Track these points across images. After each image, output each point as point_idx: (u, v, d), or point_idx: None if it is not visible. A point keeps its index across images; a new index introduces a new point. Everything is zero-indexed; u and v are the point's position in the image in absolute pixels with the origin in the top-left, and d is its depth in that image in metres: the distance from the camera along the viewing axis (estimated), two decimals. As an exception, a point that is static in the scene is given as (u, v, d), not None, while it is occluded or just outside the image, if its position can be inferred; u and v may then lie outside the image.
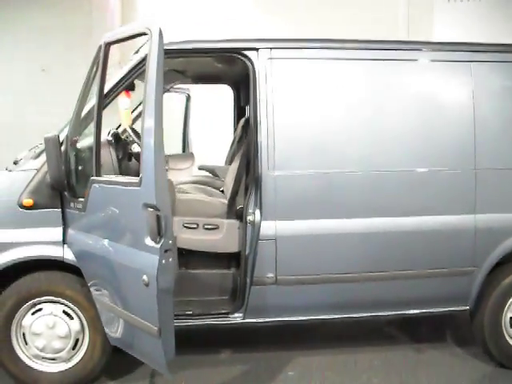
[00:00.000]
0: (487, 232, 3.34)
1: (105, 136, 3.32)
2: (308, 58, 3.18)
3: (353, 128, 3.21)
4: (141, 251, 2.49)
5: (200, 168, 4.82)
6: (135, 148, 3.53)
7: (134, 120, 4.16)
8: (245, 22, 7.08)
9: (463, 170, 3.31)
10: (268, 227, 3.14)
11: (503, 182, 3.36)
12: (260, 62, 3.11)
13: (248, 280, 3.18)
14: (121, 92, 3.23)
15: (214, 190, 3.95)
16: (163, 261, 2.41)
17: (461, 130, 3.30)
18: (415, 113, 3.27)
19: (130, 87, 3.76)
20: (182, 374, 3.32)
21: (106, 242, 2.78)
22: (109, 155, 3.21)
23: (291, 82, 3.16)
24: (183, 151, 5.32)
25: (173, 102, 5.29)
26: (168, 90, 4.56)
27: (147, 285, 2.44)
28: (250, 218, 3.13)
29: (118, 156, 3.30)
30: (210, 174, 4.77)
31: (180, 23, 7.16)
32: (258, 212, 3.12)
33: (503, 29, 6.45)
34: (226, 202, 3.47)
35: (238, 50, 3.13)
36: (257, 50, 3.11)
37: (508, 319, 3.46)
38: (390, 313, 3.43)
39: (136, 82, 3.86)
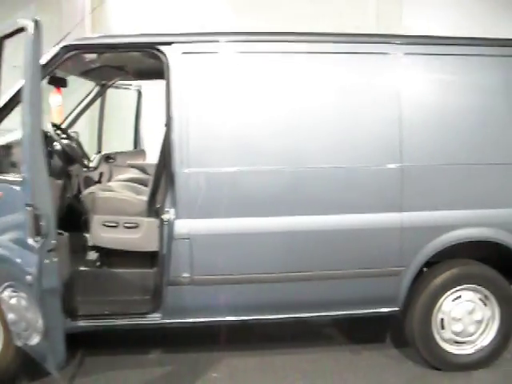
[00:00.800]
0: (414, 230, 3.24)
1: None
2: (221, 52, 3.09)
3: (269, 124, 3.12)
4: (25, 250, 2.44)
5: (130, 165, 4.74)
6: (57, 146, 3.47)
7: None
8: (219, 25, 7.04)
9: (388, 167, 3.21)
10: (182, 226, 3.07)
11: (430, 179, 3.26)
12: (174, 56, 3.04)
13: (164, 280, 3.11)
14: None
15: (144, 188, 3.88)
16: (46, 261, 2.35)
17: (386, 125, 3.20)
18: (336, 108, 3.17)
19: (62, 84, 3.73)
20: (103, 374, 3.28)
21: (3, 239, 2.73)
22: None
23: (205, 76, 3.08)
24: (134, 148, 5.27)
25: (126, 98, 5.23)
26: (110, 87, 4.50)
27: (31, 285, 2.39)
28: (164, 216, 3.07)
29: None
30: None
31: (151, 24, 7.20)
32: (172, 210, 3.05)
33: (472, 20, 6.33)
34: (145, 200, 3.40)
35: (153, 45, 3.06)
36: (170, 44, 3.04)
37: (439, 321, 3.36)
38: (315, 314, 3.33)
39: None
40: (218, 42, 3.09)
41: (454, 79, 3.28)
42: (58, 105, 3.75)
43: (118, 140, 5.32)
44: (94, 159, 4.43)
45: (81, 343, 3.53)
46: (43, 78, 3.05)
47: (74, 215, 3.60)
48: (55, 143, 3.40)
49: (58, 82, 3.69)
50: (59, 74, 3.67)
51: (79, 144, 3.95)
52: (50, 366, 2.54)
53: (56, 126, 3.64)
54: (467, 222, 3.30)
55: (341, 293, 3.27)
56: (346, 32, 3.31)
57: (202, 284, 3.12)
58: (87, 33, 8.59)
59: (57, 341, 2.48)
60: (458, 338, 3.39)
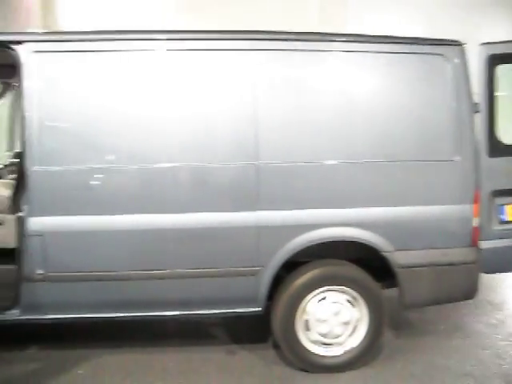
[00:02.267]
0: (270, 230, 3.21)
1: None
2: (72, 50, 3.09)
3: (119, 123, 3.12)
4: None
5: None
6: None
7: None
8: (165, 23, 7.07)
9: (243, 165, 3.17)
10: (35, 223, 3.09)
11: (287, 178, 3.21)
12: (25, 55, 3.06)
13: (20, 276, 3.14)
14: None
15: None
16: None
17: (241, 122, 3.17)
18: (188, 104, 3.16)
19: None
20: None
21: None
22: None
23: (57, 75, 3.09)
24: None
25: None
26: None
27: None
28: (19, 213, 3.10)
29: None
30: None
31: (99, 23, 7.25)
32: (25, 207, 3.08)
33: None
34: (8, 196, 3.43)
35: (4, 44, 3.09)
36: (20, 42, 3.07)
37: (303, 322, 3.31)
38: (174, 313, 3.30)
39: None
40: (66, 41, 3.11)
41: (311, 76, 3.25)
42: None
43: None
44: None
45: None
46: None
47: None
48: None
49: None
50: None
51: None
52: None
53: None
54: (328, 222, 3.24)
55: (198, 292, 3.24)
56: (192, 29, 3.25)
57: (56, 281, 3.14)
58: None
59: None
60: (325, 340, 3.35)
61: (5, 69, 3.59)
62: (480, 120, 3.39)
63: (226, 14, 6.61)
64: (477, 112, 3.37)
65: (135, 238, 3.15)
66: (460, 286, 3.47)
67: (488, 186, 3.43)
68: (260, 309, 3.31)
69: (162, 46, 3.15)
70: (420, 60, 3.31)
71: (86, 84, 3.12)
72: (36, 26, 8.88)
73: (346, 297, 3.33)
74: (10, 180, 4.01)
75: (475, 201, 3.36)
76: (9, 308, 3.19)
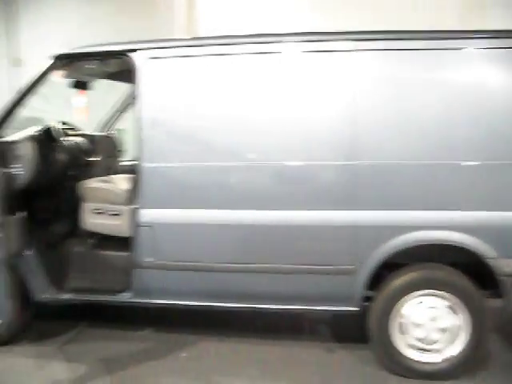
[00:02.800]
0: (367, 230, 3.18)
1: (31, 131, 3.81)
2: (181, 55, 3.34)
3: (226, 123, 3.30)
4: None
5: None
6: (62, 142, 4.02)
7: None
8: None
9: (342, 165, 3.19)
10: (146, 215, 3.39)
11: (385, 178, 3.17)
12: (140, 61, 3.37)
13: (133, 263, 3.47)
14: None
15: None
16: None
17: (341, 123, 3.19)
18: (293, 106, 3.25)
19: (83, 87, 4.28)
20: (93, 344, 3.74)
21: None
22: (27, 150, 3.68)
23: (168, 78, 3.36)
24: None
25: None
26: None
27: None
28: (133, 205, 3.43)
29: (42, 149, 3.74)
30: None
31: (241, 24, 7.77)
32: (138, 200, 3.40)
33: None
34: (125, 190, 3.77)
35: (123, 52, 3.43)
36: (135, 50, 3.39)
37: (398, 325, 3.24)
38: (272, 306, 3.41)
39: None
40: (176, 47, 3.36)
41: (414, 76, 3.18)
42: (81, 105, 4.34)
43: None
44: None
45: (82, 317, 4.09)
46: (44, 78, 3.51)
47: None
48: (62, 139, 3.93)
49: (80, 86, 4.26)
50: (84, 78, 4.25)
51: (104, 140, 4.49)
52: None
53: (66, 124, 4.23)
54: (426, 224, 3.14)
55: (295, 287, 3.32)
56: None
57: (162, 268, 3.42)
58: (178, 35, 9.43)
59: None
60: (421, 345, 3.24)
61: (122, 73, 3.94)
62: None
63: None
64: None
65: (237, 232, 3.32)
66: None
67: None
68: (357, 308, 3.31)
69: (268, 49, 3.27)
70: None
71: (194, 87, 3.36)
72: (179, 26, 9.67)
73: (445, 303, 3.19)
74: (128, 175, 4.42)
75: None
76: (122, 291, 3.54)
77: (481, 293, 3.18)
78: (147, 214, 3.39)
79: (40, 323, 3.99)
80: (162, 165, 3.35)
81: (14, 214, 3.24)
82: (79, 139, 4.24)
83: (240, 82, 3.32)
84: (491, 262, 3.11)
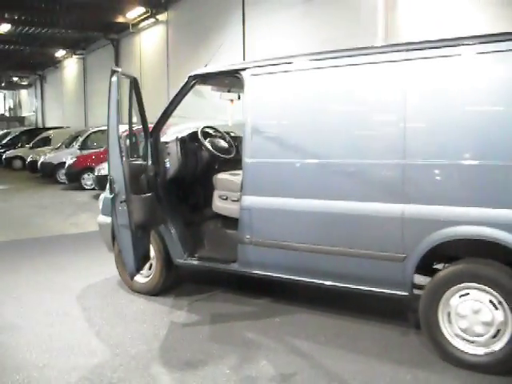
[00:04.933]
0: (413, 222, 3.47)
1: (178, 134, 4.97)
2: (279, 71, 4.08)
3: (308, 128, 3.97)
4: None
5: None
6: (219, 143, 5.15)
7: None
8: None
9: (391, 163, 3.55)
10: (246, 200, 4.22)
11: (436, 175, 3.41)
12: (246, 77, 4.21)
13: (237, 239, 4.32)
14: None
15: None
16: (119, 207, 4.00)
17: (394, 126, 3.56)
18: (355, 112, 3.81)
19: (232, 98, 5.31)
20: (213, 305, 4.73)
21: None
22: (175, 148, 4.83)
23: (265, 90, 4.15)
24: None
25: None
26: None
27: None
28: (238, 193, 4.29)
29: (184, 149, 4.83)
30: None
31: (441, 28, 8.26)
32: (242, 189, 4.24)
33: None
34: (239, 181, 4.58)
35: (236, 71, 4.31)
36: (244, 69, 4.23)
37: (446, 314, 3.42)
38: (333, 283, 3.94)
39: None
40: (274, 65, 4.11)
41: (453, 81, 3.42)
42: (231, 113, 5.39)
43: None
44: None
45: (220, 284, 5.12)
46: (186, 94, 4.62)
47: None
48: (205, 140, 5.00)
49: (229, 97, 5.30)
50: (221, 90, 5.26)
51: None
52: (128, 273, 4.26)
53: (213, 128, 5.32)
54: (469, 220, 3.27)
55: (354, 268, 3.78)
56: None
57: (257, 245, 4.20)
58: (379, 40, 10.05)
59: (128, 259, 4.09)
60: (465, 336, 3.37)
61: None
62: None
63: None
64: None
65: (313, 218, 3.93)
66: None
67: None
68: (407, 293, 3.60)
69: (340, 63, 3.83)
70: None
71: (284, 98, 4.10)
72: (381, 32, 10.45)
73: (489, 297, 3.27)
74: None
75: None
76: (233, 261, 4.43)
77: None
78: (247, 200, 4.21)
79: (188, 284, 5.19)
80: (259, 160, 4.14)
81: (139, 194, 4.24)
82: (219, 140, 5.28)
83: (317, 93, 3.94)
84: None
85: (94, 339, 4.02)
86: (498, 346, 3.27)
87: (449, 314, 3.42)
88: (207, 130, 5.32)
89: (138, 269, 4.22)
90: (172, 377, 3.44)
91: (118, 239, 4.26)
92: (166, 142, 4.85)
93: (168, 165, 4.78)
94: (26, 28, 21.88)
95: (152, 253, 4.81)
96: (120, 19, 20.83)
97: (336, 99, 3.88)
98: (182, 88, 4.56)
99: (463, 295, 3.36)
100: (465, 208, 3.29)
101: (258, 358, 3.62)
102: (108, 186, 4.09)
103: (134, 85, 4.39)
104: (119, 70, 4.11)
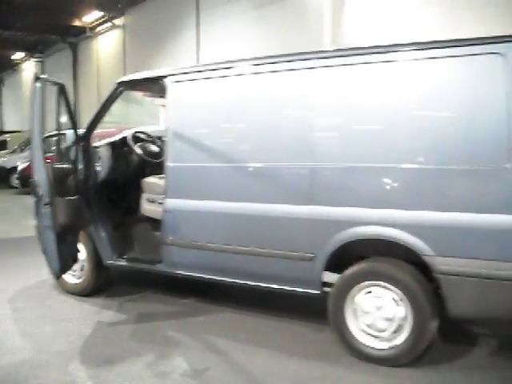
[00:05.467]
0: (321, 222, 3.64)
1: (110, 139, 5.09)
2: (196, 79, 4.24)
3: (224, 133, 4.17)
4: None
5: None
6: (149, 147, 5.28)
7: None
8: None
9: (299, 166, 3.73)
10: (169, 203, 4.34)
11: (339, 179, 3.61)
12: (169, 84, 4.35)
13: (161, 240, 4.45)
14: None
15: None
16: (42, 210, 4.07)
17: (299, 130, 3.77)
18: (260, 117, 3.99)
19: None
20: (142, 305, 4.84)
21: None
22: (105, 153, 4.93)
23: (186, 96, 4.29)
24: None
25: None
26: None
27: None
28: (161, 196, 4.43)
29: (114, 153, 4.94)
30: None
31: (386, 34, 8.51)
32: (164, 192, 4.38)
33: None
34: (162, 184, 4.69)
35: (159, 78, 4.45)
36: (166, 76, 4.38)
37: (352, 311, 3.60)
38: (246, 282, 4.10)
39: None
40: (190, 73, 4.26)
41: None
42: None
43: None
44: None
45: (150, 285, 5.22)
46: (114, 100, 4.73)
47: None
48: (135, 145, 5.12)
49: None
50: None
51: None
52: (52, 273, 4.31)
53: (144, 133, 5.44)
54: (369, 220, 3.46)
55: (271, 268, 3.93)
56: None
57: (179, 246, 4.32)
58: (326, 44, 10.37)
59: (52, 258, 4.16)
60: (371, 331, 3.56)
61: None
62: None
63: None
64: None
65: (226, 219, 4.08)
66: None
67: None
68: (318, 292, 3.77)
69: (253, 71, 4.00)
70: (474, 61, 3.19)
71: (202, 103, 4.24)
72: (326, 32, 10.82)
73: (391, 294, 3.46)
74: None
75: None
76: (158, 262, 4.54)
77: (425, 287, 3.37)
78: (169, 203, 4.34)
79: (120, 285, 5.28)
80: (179, 164, 4.28)
81: (63, 197, 4.30)
82: (150, 144, 5.41)
83: (230, 100, 4.11)
84: (428, 260, 3.30)
85: (19, 339, 4.08)
86: (399, 340, 3.45)
87: (355, 311, 3.60)
88: (139, 134, 5.44)
89: (62, 269, 4.28)
90: (88, 373, 3.52)
91: (41, 240, 4.33)
92: (97, 147, 4.95)
93: (99, 168, 4.89)
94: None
95: (84, 254, 4.91)
96: (77, 23, 20.69)
97: (247, 106, 4.03)
98: (110, 94, 4.66)
99: (368, 292, 3.54)
100: (365, 209, 3.48)
101: (174, 355, 3.74)
102: (31, 189, 4.17)
103: (62, 91, 4.47)
104: (43, 76, 4.20)
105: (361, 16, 10.56)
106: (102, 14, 19.49)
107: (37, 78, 4.13)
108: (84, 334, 4.14)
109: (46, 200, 4.06)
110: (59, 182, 4.21)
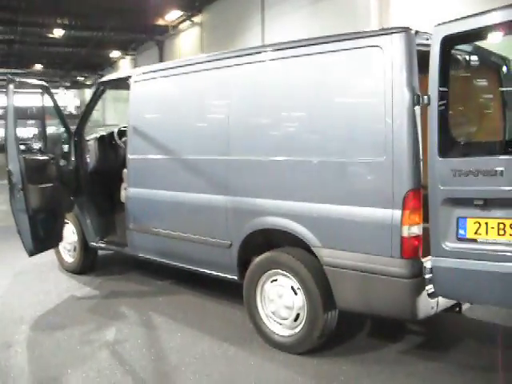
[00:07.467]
0: (235, 212, 3.89)
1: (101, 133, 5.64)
2: (149, 79, 4.66)
3: (167, 126, 4.53)
4: None
5: None
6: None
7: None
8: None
9: (218, 159, 4.00)
10: (129, 191, 4.82)
11: (247, 170, 3.84)
12: (131, 83, 4.77)
13: (124, 226, 4.95)
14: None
15: None
16: (17, 195, 4.60)
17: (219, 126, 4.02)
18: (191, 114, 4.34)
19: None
20: (119, 283, 5.33)
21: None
22: (94, 146, 5.50)
23: (143, 95, 4.72)
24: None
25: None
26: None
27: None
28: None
29: (102, 146, 5.51)
30: None
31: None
32: (127, 181, 4.83)
33: None
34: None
35: (127, 78, 4.88)
36: (130, 77, 4.80)
37: (262, 298, 3.79)
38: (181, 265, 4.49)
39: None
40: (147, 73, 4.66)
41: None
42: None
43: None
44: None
45: (135, 267, 5.72)
46: (98, 98, 5.26)
47: None
48: (123, 139, 5.60)
49: None
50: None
51: None
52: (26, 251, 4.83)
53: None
54: (269, 211, 3.65)
55: (194, 252, 4.29)
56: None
57: (138, 231, 4.79)
58: None
59: (26, 238, 4.68)
60: (276, 318, 3.72)
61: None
62: (430, 114, 3.00)
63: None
64: (426, 105, 3.01)
65: (167, 207, 4.48)
66: (391, 300, 3.18)
67: (440, 193, 2.98)
68: (236, 277, 4.02)
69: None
70: (356, 55, 3.25)
71: (153, 101, 4.64)
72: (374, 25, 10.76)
73: (290, 283, 3.60)
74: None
75: (407, 207, 3.02)
76: (126, 245, 5.01)
77: (322, 279, 3.45)
78: (130, 191, 4.80)
79: (114, 266, 5.87)
80: (136, 156, 4.73)
81: (36, 185, 4.71)
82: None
83: (172, 98, 4.52)
84: (316, 251, 3.42)
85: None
86: (298, 328, 3.59)
87: (263, 298, 3.78)
88: (125, 129, 5.94)
89: (37, 247, 4.82)
90: (29, 334, 4.11)
91: (16, 222, 4.93)
92: (88, 141, 5.54)
93: (88, 160, 5.46)
94: (78, 32, 23.44)
95: (76, 237, 5.52)
96: (161, 22, 21.85)
97: (183, 104, 4.40)
98: (93, 93, 5.22)
99: (274, 281, 3.71)
100: (266, 200, 3.67)
101: (110, 327, 4.20)
102: (7, 177, 4.77)
103: (47, 92, 5.04)
104: (16, 79, 4.74)
105: (406, 14, 10.29)
106: (181, 12, 20.44)
107: (10, 80, 4.66)
108: (49, 305, 4.74)
109: (19, 187, 4.63)
110: (33, 171, 4.75)
